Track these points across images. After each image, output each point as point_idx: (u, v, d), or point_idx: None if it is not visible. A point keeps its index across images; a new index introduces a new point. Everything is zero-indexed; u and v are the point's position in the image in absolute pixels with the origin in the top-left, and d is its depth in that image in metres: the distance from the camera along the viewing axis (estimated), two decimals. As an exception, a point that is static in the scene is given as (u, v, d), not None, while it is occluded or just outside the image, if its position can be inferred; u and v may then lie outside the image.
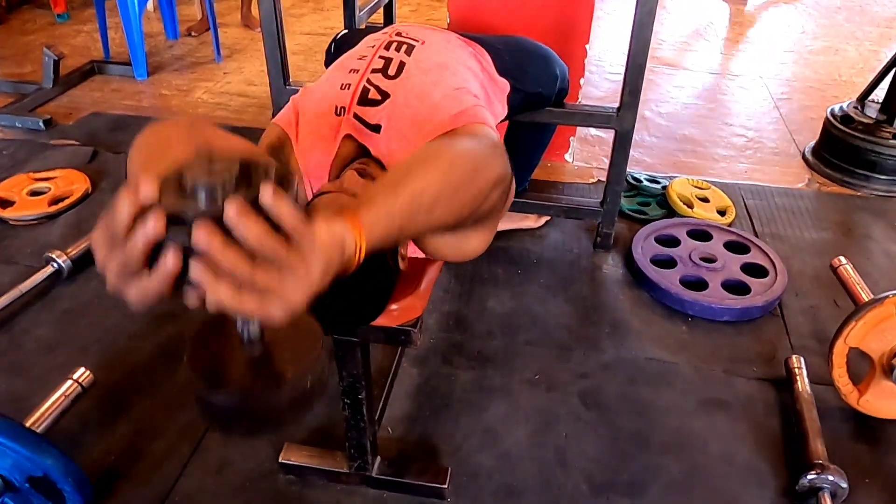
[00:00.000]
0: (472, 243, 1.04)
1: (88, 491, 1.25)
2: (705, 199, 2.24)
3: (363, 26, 2.44)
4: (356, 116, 1.16)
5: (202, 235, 0.50)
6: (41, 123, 2.70)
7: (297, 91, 1.31)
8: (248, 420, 0.62)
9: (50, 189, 2.26)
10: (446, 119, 1.12)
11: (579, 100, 2.37)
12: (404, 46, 1.30)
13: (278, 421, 0.62)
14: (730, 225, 2.14)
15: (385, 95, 1.17)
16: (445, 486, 1.36)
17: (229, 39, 3.70)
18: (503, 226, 2.12)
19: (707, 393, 1.61)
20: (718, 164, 2.59)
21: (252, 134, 1.91)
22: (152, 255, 0.52)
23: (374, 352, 1.56)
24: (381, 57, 1.27)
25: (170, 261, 0.51)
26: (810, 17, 4.47)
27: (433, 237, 0.95)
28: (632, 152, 1.94)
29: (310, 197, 1.13)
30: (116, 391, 1.58)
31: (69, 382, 1.37)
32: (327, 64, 1.71)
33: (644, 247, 2.00)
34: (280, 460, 1.40)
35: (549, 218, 2.14)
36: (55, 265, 1.88)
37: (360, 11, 2.14)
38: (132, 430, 1.50)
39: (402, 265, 1.05)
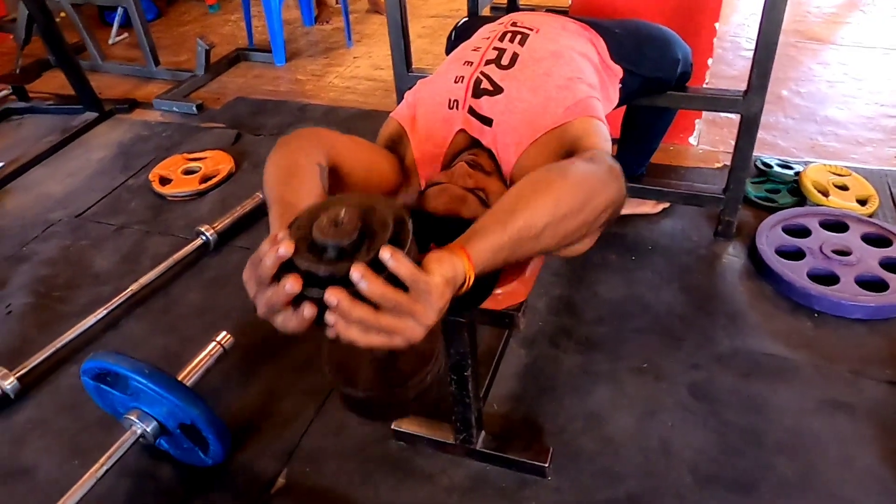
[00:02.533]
0: (576, 249, 1.06)
1: (228, 440, 1.42)
2: (844, 187, 2.09)
3: (487, 11, 2.48)
4: (470, 110, 1.20)
5: (332, 297, 0.63)
6: (194, 108, 2.98)
7: (421, 77, 1.37)
8: (377, 410, 0.78)
9: (200, 168, 2.51)
10: (559, 112, 1.14)
11: (707, 80, 2.27)
12: (518, 36, 1.33)
13: (403, 411, 0.81)
14: (871, 216, 1.99)
15: (498, 89, 1.21)
16: (547, 465, 1.40)
17: (358, 24, 3.86)
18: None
19: (829, 393, 1.53)
20: (863, 149, 2.39)
21: (378, 117, 2.04)
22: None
23: (483, 332, 1.63)
24: (494, 48, 1.31)
25: (306, 311, 0.65)
26: None
27: None
28: (764, 135, 1.85)
29: (422, 186, 1.20)
30: (252, 353, 1.75)
31: (213, 344, 1.55)
32: (448, 51, 1.77)
33: (770, 236, 1.91)
34: (392, 427, 1.50)
35: (667, 204, 2.09)
36: (204, 238, 2.10)
37: (483, -5, 2.17)
38: (264, 389, 1.67)
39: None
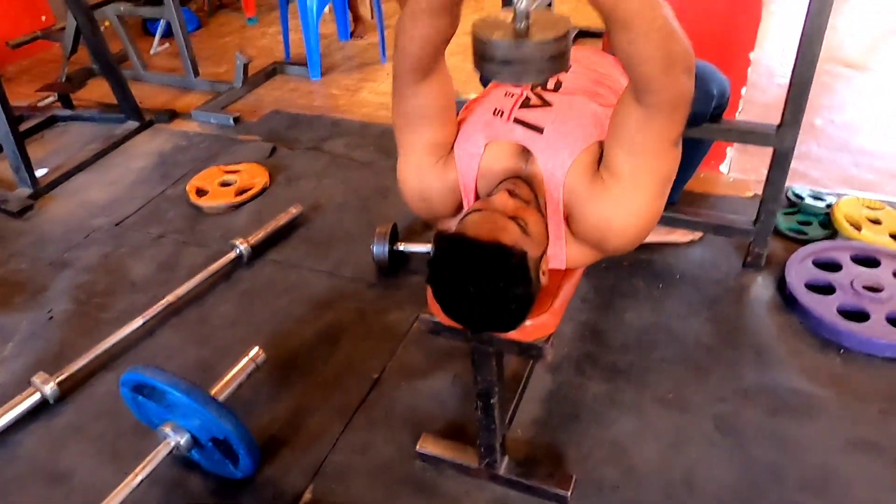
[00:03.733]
0: (648, 196, 1.13)
1: (257, 455, 1.46)
2: (877, 221, 2.07)
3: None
4: (516, 120, 1.22)
5: None
6: (231, 120, 3.05)
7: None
8: (516, 62, 0.91)
9: (236, 181, 2.57)
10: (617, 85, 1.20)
11: (740, 108, 2.27)
12: None
13: (536, 66, 0.91)
14: (904, 251, 1.97)
15: (546, 103, 1.24)
16: (569, 494, 1.41)
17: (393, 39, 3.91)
18: (650, 237, 2.10)
19: (857, 432, 1.52)
20: (898, 181, 2.37)
21: None
22: None
23: (510, 357, 1.65)
24: None
25: None
26: None
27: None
28: (796, 165, 1.84)
29: (466, 209, 1.23)
30: (283, 367, 1.80)
31: (246, 359, 1.59)
32: (483, 81, 1.80)
33: (799, 270, 1.90)
34: (417, 448, 1.53)
35: (699, 235, 2.09)
36: (238, 251, 2.16)
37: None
38: (294, 404, 1.71)
39: (543, 280, 1.13)
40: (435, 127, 1.24)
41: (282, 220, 2.29)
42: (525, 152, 1.20)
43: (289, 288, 2.08)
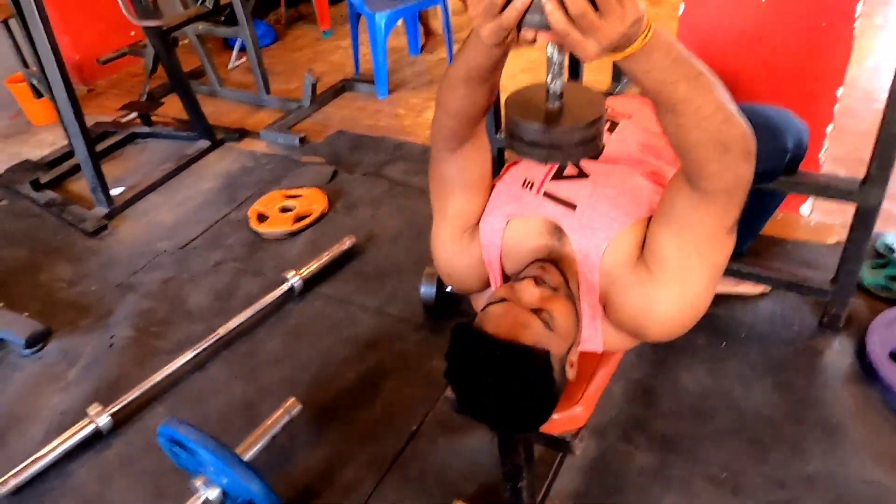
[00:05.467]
0: (696, 285, 1.05)
1: (284, 514, 1.45)
2: (981, 281, 1.85)
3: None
4: (546, 194, 1.15)
5: None
6: (297, 141, 3.09)
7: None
8: (538, 147, 0.85)
9: (296, 207, 2.59)
10: (655, 199, 1.09)
11: (825, 148, 2.07)
12: (608, 123, 1.27)
13: (563, 150, 0.85)
14: None
15: (583, 174, 1.16)
16: (602, 581, 1.33)
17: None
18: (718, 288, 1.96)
19: (939, 539, 1.36)
20: None
21: None
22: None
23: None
24: None
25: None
26: None
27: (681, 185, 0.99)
28: (888, 206, 1.66)
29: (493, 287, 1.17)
30: (321, 413, 1.79)
31: (280, 411, 1.59)
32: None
33: (884, 336, 1.72)
34: (447, 517, 1.48)
35: (769, 288, 1.93)
36: (290, 284, 2.17)
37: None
38: (329, 453, 1.69)
39: (570, 374, 1.05)
40: (466, 196, 1.18)
41: (335, 252, 2.29)
42: (558, 229, 1.12)
43: (335, 325, 2.08)
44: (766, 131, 1.45)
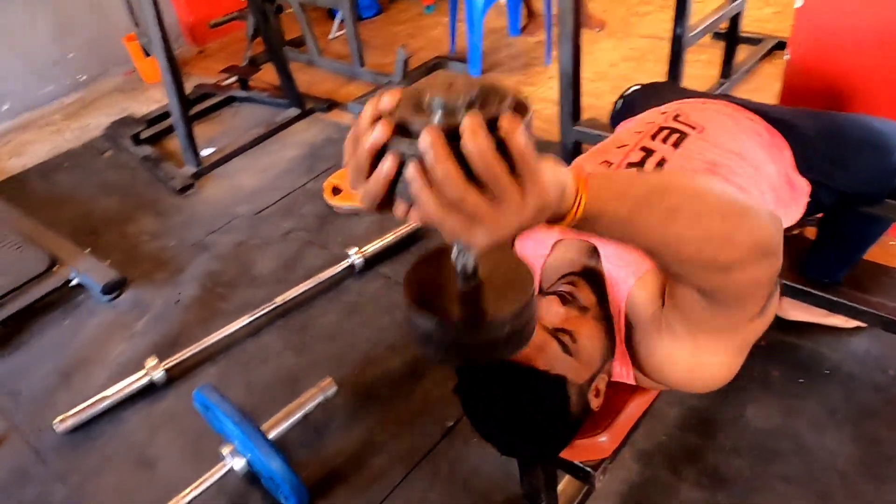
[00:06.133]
0: (712, 359, 0.91)
1: (304, 495, 1.44)
2: None
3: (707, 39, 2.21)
4: None
5: (426, 139, 0.48)
6: (382, 116, 3.06)
7: (586, 132, 1.22)
8: (440, 348, 0.63)
9: (370, 183, 2.57)
10: (746, 174, 0.98)
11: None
12: (675, 136, 1.14)
13: (469, 357, 0.63)
14: None
15: None
16: None
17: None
18: (801, 315, 1.77)
19: None
20: None
21: (550, 148, 1.92)
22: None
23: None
24: (642, 148, 1.13)
25: (386, 165, 0.51)
26: None
27: (675, 297, 0.86)
28: None
29: None
30: (362, 395, 1.77)
31: (314, 389, 1.58)
32: (611, 122, 1.60)
33: None
34: (467, 523, 1.43)
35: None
36: (350, 261, 2.16)
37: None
38: (363, 437, 1.67)
39: (594, 403, 0.96)
40: None
41: (400, 233, 2.25)
42: (596, 251, 1.02)
43: (390, 307, 2.05)
44: (870, 148, 1.28)
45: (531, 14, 3.81)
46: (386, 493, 1.54)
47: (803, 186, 1.20)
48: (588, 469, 1.01)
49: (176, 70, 2.69)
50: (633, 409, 1.04)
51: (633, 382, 1.03)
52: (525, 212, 0.52)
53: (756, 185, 1.09)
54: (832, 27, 1.79)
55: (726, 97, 1.39)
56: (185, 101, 2.77)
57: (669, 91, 1.48)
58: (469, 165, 0.50)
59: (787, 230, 1.24)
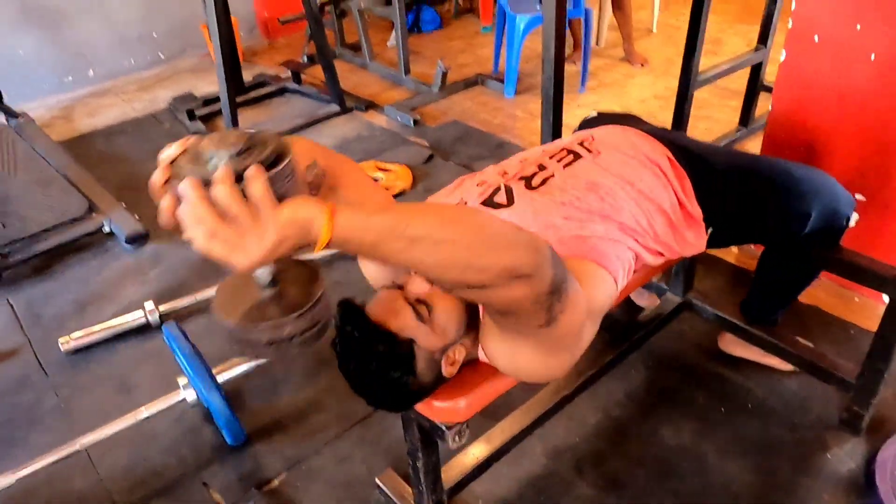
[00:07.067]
0: (523, 358, 1.03)
1: (238, 432, 1.63)
2: None
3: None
4: None
5: (185, 187, 0.67)
6: (411, 121, 3.28)
7: None
8: (243, 344, 0.80)
9: (382, 179, 2.78)
10: (551, 242, 1.08)
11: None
12: (569, 157, 1.27)
13: (292, 344, 0.80)
14: None
15: (510, 203, 1.18)
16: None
17: (603, 70, 3.81)
18: (740, 352, 1.84)
19: None
20: None
21: None
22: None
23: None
24: (538, 164, 1.27)
25: (163, 202, 0.70)
26: None
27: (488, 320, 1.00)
28: None
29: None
30: (321, 360, 1.95)
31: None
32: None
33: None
34: (377, 480, 1.58)
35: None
36: (343, 244, 2.36)
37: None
38: (312, 396, 1.85)
39: (447, 371, 1.10)
40: None
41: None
42: None
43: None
44: (787, 190, 1.37)
45: (576, 44, 3.95)
46: (318, 448, 1.71)
47: (699, 213, 1.31)
48: (443, 427, 1.15)
49: (228, 56, 2.98)
50: (496, 382, 1.17)
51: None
52: (265, 240, 0.67)
53: (637, 206, 1.20)
54: (811, 82, 1.87)
55: (667, 131, 1.50)
56: (234, 87, 3.06)
57: (620, 119, 1.59)
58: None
59: (692, 255, 1.34)
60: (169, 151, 0.72)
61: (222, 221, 0.66)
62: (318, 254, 2.14)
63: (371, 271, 1.27)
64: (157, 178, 0.71)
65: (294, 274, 0.83)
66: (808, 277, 1.62)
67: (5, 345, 2.13)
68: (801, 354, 1.68)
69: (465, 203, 1.22)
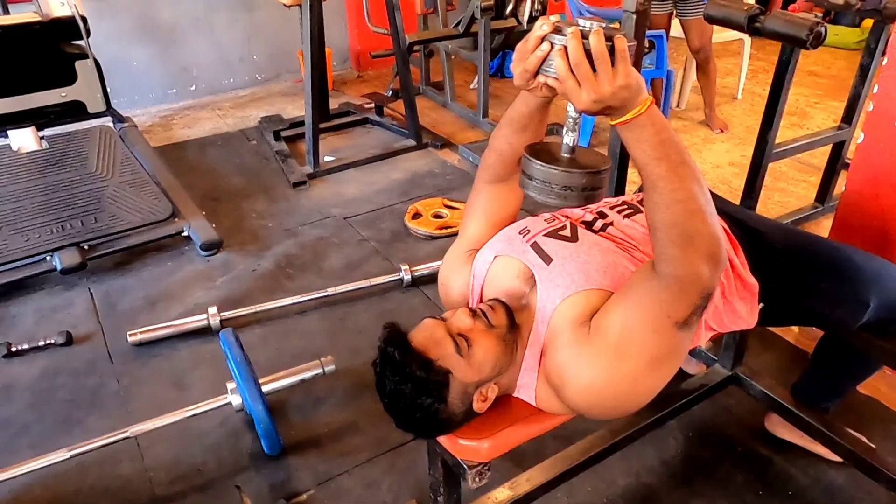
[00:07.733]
0: (625, 367, 1.05)
1: (276, 442, 1.70)
2: None
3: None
4: (534, 244, 1.22)
5: (571, 32, 0.88)
6: (483, 163, 3.35)
7: None
8: (542, 182, 0.97)
9: (447, 216, 2.85)
10: (617, 277, 1.14)
11: None
12: (629, 210, 1.31)
13: (560, 191, 0.97)
14: None
15: (574, 238, 1.22)
16: None
17: (682, 132, 3.78)
18: (788, 435, 1.78)
19: None
20: None
21: None
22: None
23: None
24: (598, 213, 1.31)
25: (544, 45, 0.90)
26: None
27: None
28: None
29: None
30: (365, 384, 2.00)
31: (315, 362, 1.85)
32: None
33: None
34: (399, 509, 1.61)
35: (845, 457, 1.70)
36: (400, 275, 2.43)
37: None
38: (350, 418, 1.91)
39: (478, 407, 1.13)
40: (483, 224, 1.31)
41: (452, 263, 2.49)
42: (532, 277, 1.20)
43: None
44: (844, 274, 1.36)
45: (657, 104, 3.95)
46: (348, 468, 1.76)
47: (753, 284, 1.30)
48: (465, 466, 1.18)
49: (317, 85, 3.15)
50: (522, 429, 1.19)
51: (533, 402, 1.18)
52: (612, 84, 0.87)
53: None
54: (886, 166, 1.83)
55: (726, 202, 1.50)
56: (319, 114, 3.22)
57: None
58: (590, 55, 0.87)
59: (741, 329, 1.33)
60: (547, 21, 0.91)
61: (586, 61, 0.87)
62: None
63: (449, 286, 1.33)
64: (546, 28, 0.90)
65: (588, 153, 1.01)
66: (867, 369, 1.57)
67: (82, 329, 2.29)
68: (851, 446, 1.61)
69: (528, 231, 1.26)
